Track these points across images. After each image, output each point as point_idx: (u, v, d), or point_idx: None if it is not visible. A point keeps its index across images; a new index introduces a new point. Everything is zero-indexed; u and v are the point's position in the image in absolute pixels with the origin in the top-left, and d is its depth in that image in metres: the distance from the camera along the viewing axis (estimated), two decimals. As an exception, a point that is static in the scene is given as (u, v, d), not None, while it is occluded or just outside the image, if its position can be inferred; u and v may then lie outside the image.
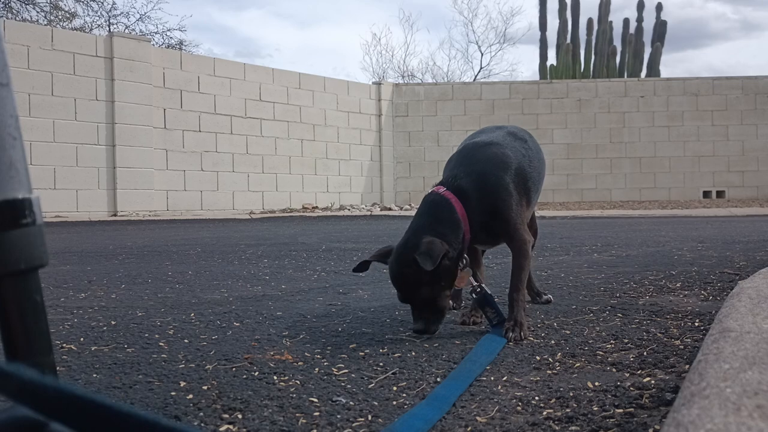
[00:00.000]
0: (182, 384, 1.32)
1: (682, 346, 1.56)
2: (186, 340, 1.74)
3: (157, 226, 8.28)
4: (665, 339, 1.65)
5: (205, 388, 1.29)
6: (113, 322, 2.01)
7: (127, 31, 19.22)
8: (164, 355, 1.57)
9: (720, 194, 14.34)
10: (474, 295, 1.85)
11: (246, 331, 1.86)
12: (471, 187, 1.82)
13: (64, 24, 19.17)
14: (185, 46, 20.84)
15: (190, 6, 41.10)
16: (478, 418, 1.09)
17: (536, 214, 2.32)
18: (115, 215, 10.33)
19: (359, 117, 13.90)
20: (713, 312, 1.95)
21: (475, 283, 1.85)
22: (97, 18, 21.95)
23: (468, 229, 1.79)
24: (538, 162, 2.05)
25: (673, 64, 53.19)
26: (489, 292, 1.83)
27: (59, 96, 9.95)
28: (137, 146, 10.64)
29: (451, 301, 2.21)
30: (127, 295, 2.58)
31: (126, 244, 5.30)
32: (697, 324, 1.82)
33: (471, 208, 1.80)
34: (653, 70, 16.84)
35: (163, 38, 20.45)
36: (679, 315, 1.97)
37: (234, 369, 1.43)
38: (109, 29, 19.47)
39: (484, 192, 1.83)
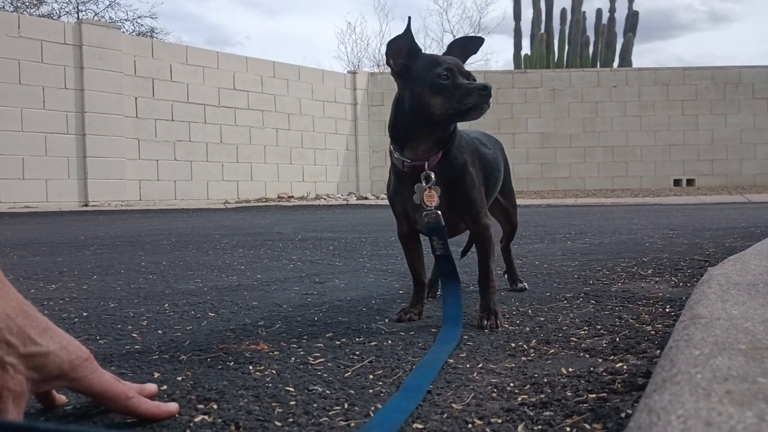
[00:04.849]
0: (156, 375, 1.31)
1: (653, 332, 1.59)
2: (160, 331, 1.72)
3: (130, 216, 8.17)
4: (637, 325, 1.68)
5: (179, 378, 1.28)
6: (85, 314, 1.98)
7: (96, 18, 18.86)
8: (138, 347, 1.55)
9: (690, 182, 14.59)
10: (426, 219, 1.76)
11: (221, 321, 1.84)
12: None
13: (31, 11, 18.75)
14: (156, 33, 20.53)
15: (156, -8, 40.48)
16: (453, 405, 1.10)
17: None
18: (86, 205, 10.16)
19: (334, 106, 13.84)
20: (683, 298, 1.99)
21: (433, 206, 1.75)
22: (65, 4, 21.52)
23: None
24: (497, 164, 2.04)
25: (641, 55, 53.86)
26: (443, 223, 1.76)
27: (27, 84, 9.73)
28: (108, 135, 10.47)
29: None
30: (99, 286, 2.54)
31: (98, 235, 5.23)
32: (668, 310, 1.85)
33: None
34: (625, 60, 17.02)
35: (133, 26, 20.12)
36: (651, 301, 2.00)
37: (209, 359, 1.42)
38: (78, 16, 19.09)
39: (457, 152, 1.78)
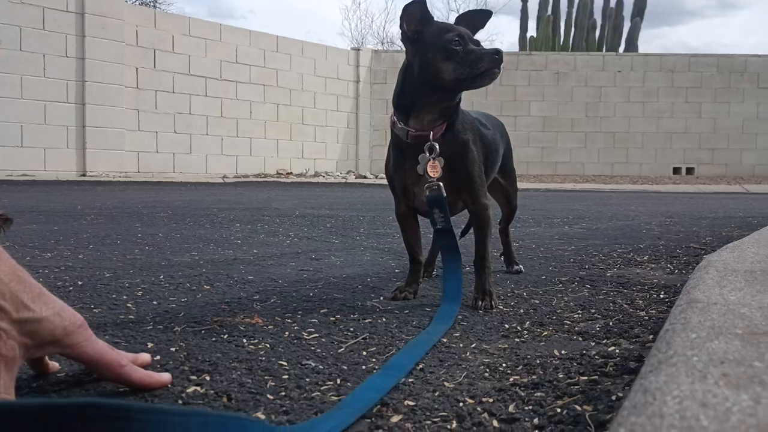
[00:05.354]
0: (150, 345, 1.31)
1: (646, 317, 1.59)
2: (155, 302, 1.72)
3: (128, 188, 8.16)
4: (631, 310, 1.68)
5: (173, 349, 1.28)
6: (80, 283, 1.98)
7: (98, -14, 18.63)
8: (132, 317, 1.55)
9: (689, 171, 14.56)
10: (428, 192, 1.75)
11: (216, 294, 1.84)
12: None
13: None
14: (159, 4, 20.35)
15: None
16: (446, 383, 1.10)
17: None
18: (84, 175, 10.13)
19: (337, 83, 13.74)
20: (678, 285, 1.99)
21: (436, 178, 1.74)
22: (67, -29, 21.25)
23: None
24: (495, 145, 2.03)
25: (648, 40, 53.48)
26: (445, 195, 1.74)
27: (28, 51, 9.65)
28: (108, 105, 10.40)
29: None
30: (94, 256, 2.54)
31: (95, 205, 5.21)
32: (662, 296, 1.86)
33: None
34: (632, 45, 16.87)
35: (136, -5, 19.91)
36: (645, 287, 2.00)
37: (203, 331, 1.42)
38: (80, -17, 18.86)
39: (460, 129, 1.78)
